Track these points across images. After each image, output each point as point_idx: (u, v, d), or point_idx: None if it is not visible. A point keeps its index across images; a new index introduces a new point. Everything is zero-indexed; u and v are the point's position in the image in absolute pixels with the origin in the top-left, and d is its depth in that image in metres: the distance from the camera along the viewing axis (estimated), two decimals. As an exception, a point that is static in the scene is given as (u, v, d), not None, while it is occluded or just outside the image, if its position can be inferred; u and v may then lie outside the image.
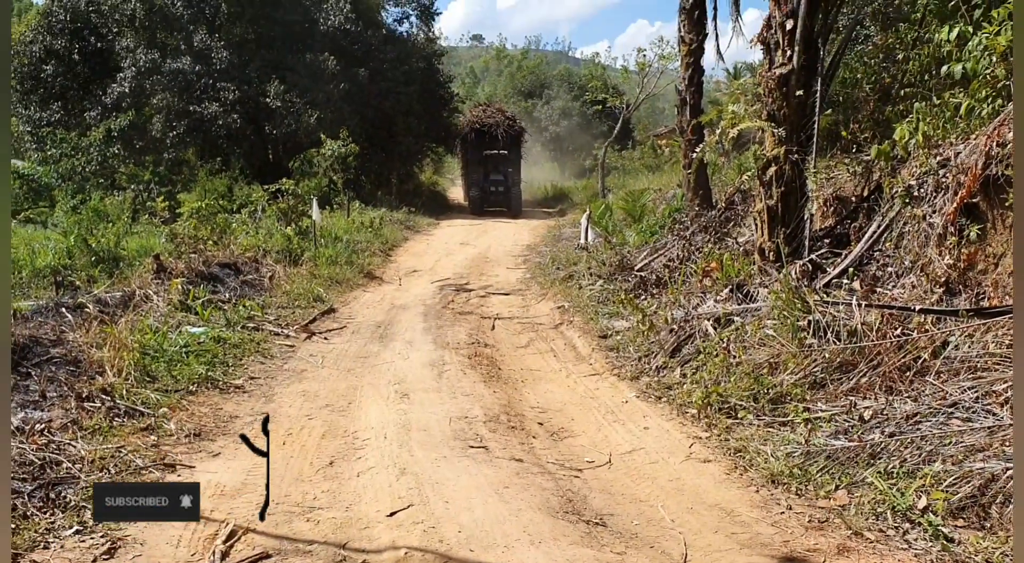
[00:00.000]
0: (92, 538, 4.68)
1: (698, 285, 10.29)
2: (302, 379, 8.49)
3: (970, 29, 7.85)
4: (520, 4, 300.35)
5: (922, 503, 4.89)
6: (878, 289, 7.81)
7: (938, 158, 7.67)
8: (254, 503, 5.27)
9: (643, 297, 11.12)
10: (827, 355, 6.86)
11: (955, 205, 7.11)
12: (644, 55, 34.02)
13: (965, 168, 7.10)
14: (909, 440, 5.46)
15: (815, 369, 6.86)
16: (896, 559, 4.53)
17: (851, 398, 6.33)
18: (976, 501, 4.80)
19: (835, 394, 6.51)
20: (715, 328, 8.47)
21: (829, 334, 7.08)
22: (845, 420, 6.07)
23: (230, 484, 5.59)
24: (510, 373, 8.95)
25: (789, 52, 9.46)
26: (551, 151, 53.28)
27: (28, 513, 4.86)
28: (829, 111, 10.76)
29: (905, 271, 7.78)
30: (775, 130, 9.52)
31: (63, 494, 5.16)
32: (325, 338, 10.46)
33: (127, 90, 28.17)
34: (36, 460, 5.48)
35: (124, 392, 7.02)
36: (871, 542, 4.72)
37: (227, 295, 11.68)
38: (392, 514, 5.10)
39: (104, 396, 6.79)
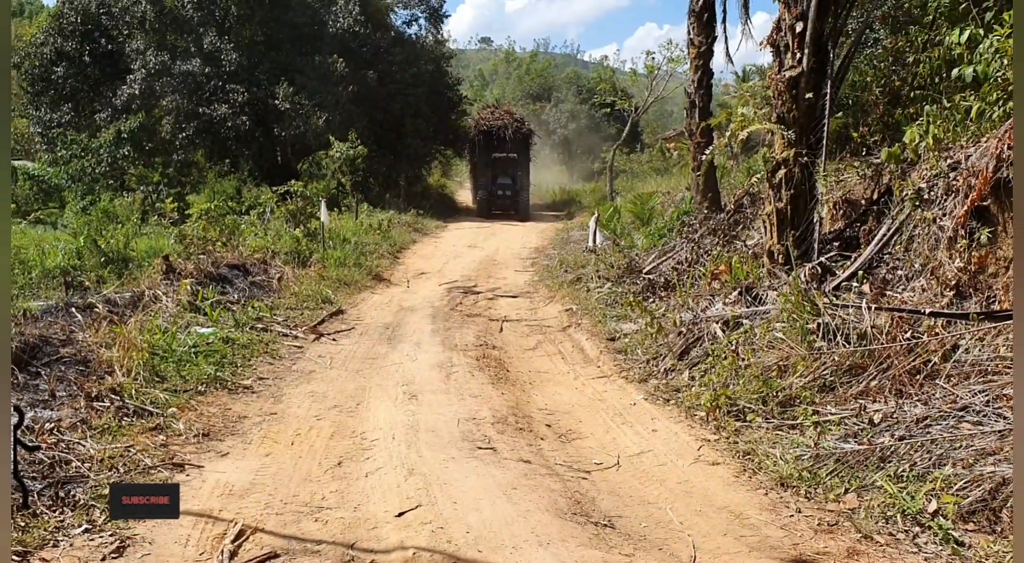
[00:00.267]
0: (101, 537, 4.69)
1: (707, 288, 10.27)
2: (311, 380, 8.50)
3: (981, 32, 7.82)
4: (528, 7, 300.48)
5: (932, 507, 4.87)
6: (888, 292, 7.78)
7: (948, 161, 7.64)
8: (263, 503, 5.29)
9: (651, 300, 11.11)
10: (836, 358, 6.83)
11: (965, 208, 7.09)
12: (653, 58, 33.94)
13: (976, 171, 7.08)
14: (919, 443, 5.44)
15: (824, 372, 6.84)
16: (906, 563, 4.52)
17: (861, 401, 6.31)
18: (987, 505, 4.78)
19: (844, 397, 6.49)
20: (724, 331, 8.46)
21: (838, 337, 7.05)
22: (855, 423, 6.05)
23: (239, 484, 5.59)
24: (518, 375, 8.94)
25: (799, 55, 9.44)
26: (559, 154, 53.26)
27: (38, 511, 4.86)
28: (839, 114, 10.75)
29: (915, 274, 7.75)
30: (784, 133, 9.50)
31: (72, 493, 5.17)
32: (333, 339, 10.47)
33: (137, 92, 28.27)
34: (45, 459, 5.49)
35: (133, 392, 7.04)
36: (881, 546, 4.70)
37: (236, 296, 11.70)
38: (400, 514, 5.10)
39: (113, 396, 6.81)
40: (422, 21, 36.65)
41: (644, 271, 12.86)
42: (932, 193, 7.76)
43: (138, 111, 28.47)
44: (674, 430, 6.94)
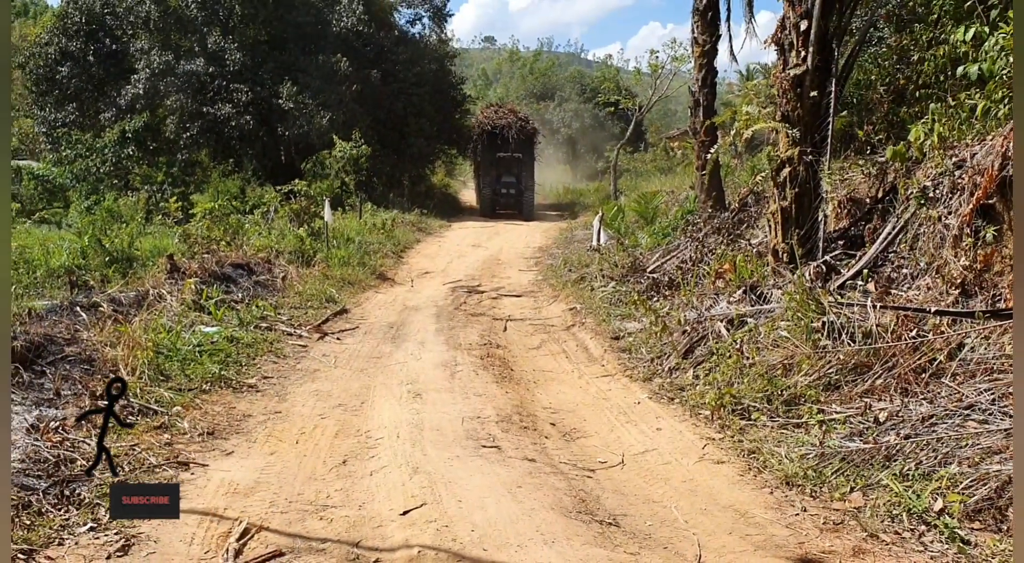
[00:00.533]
0: (106, 535, 4.69)
1: (711, 287, 10.26)
2: (315, 379, 8.51)
3: (986, 29, 7.80)
4: (532, 6, 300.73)
5: (938, 505, 4.86)
6: (893, 290, 7.76)
7: (954, 159, 7.62)
8: (267, 501, 5.29)
9: (655, 299, 11.09)
10: (841, 356, 6.82)
11: (971, 206, 7.07)
12: (657, 57, 33.98)
13: (981, 169, 7.06)
14: (925, 442, 5.43)
15: (829, 371, 6.82)
16: (912, 561, 4.51)
17: (866, 400, 6.29)
18: (993, 503, 4.77)
19: (850, 396, 6.48)
20: (728, 329, 8.44)
21: (843, 335, 7.04)
22: (860, 422, 6.04)
23: (243, 482, 5.59)
24: (522, 374, 8.94)
25: (803, 53, 9.42)
26: (563, 153, 53.24)
27: (43, 510, 4.87)
28: (843, 112, 10.73)
29: (920, 273, 7.74)
30: (789, 131, 9.49)
31: (77, 491, 5.17)
32: (338, 338, 10.48)
33: (141, 91, 28.33)
34: (51, 457, 5.50)
35: (138, 391, 7.04)
36: (887, 544, 4.69)
37: (240, 295, 11.71)
38: (405, 513, 5.10)
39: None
40: (426, 20, 36.70)
41: (648, 270, 12.85)
42: (937, 191, 7.74)
43: (142, 111, 28.56)
44: (679, 429, 6.93)
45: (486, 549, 4.60)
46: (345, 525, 4.96)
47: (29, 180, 26.06)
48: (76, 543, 4.61)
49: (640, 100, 38.26)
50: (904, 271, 8.00)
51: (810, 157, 9.38)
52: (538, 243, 22.15)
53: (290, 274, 13.80)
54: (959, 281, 7.06)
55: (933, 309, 6.72)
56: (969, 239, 7.08)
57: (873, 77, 12.01)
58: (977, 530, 4.67)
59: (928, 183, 7.87)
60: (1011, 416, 5.37)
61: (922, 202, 7.92)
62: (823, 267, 8.85)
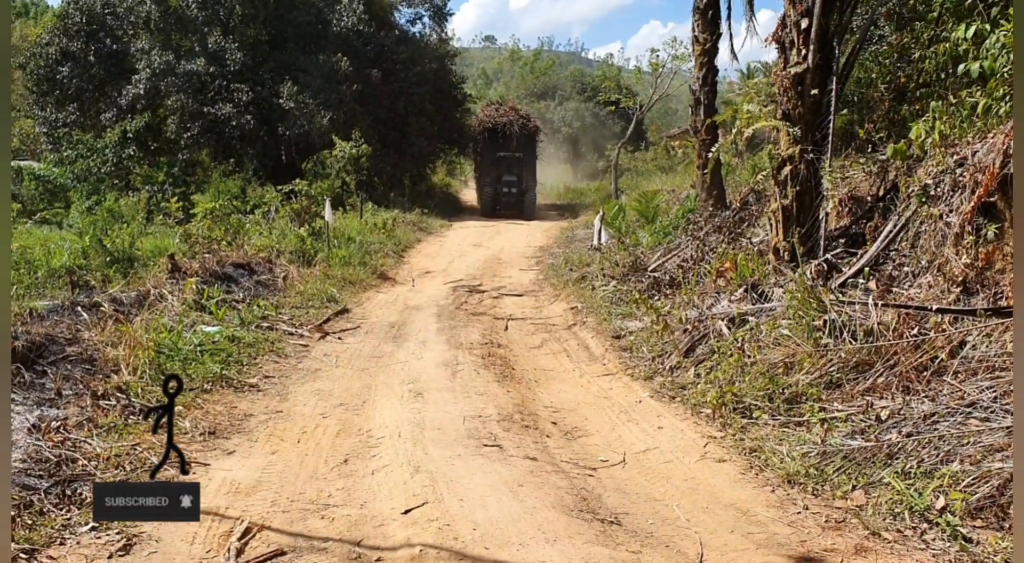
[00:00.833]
0: (108, 535, 4.69)
1: (712, 285, 10.25)
2: (316, 378, 8.51)
3: (987, 27, 7.79)
4: (532, 5, 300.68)
5: (940, 503, 4.85)
6: (894, 289, 7.76)
7: (955, 157, 7.61)
8: (269, 500, 5.29)
9: (657, 298, 11.09)
10: (843, 355, 6.82)
11: (972, 204, 7.06)
12: (657, 56, 33.98)
13: (982, 167, 7.05)
14: (927, 440, 5.43)
15: (831, 369, 6.82)
16: (914, 559, 4.50)
17: (867, 398, 6.29)
18: (995, 501, 4.76)
19: (851, 394, 6.48)
20: (729, 328, 8.44)
21: (845, 334, 7.04)
22: (862, 420, 6.04)
23: (245, 481, 5.60)
24: (523, 373, 8.94)
25: (804, 51, 9.41)
26: (564, 152, 53.23)
27: (44, 509, 4.87)
28: (844, 110, 10.72)
29: (922, 270, 7.73)
30: (790, 129, 9.48)
31: (79, 491, 5.17)
32: (339, 338, 10.47)
33: (142, 91, 28.33)
34: (52, 457, 5.50)
35: (139, 390, 7.05)
36: (889, 542, 4.69)
37: (241, 295, 11.72)
38: (407, 512, 5.10)
39: (119, 394, 6.82)
40: (426, 19, 36.65)
41: (649, 269, 12.85)
42: (938, 189, 7.73)
43: (143, 111, 28.56)
44: (680, 427, 6.93)
45: (488, 548, 4.60)
46: (347, 524, 4.96)
47: (30, 180, 26.07)
48: (78, 543, 4.61)
49: (641, 99, 38.29)
50: (905, 269, 7.99)
51: (811, 155, 9.37)
52: (539, 242, 22.14)
53: (291, 274, 13.80)
54: (960, 279, 7.05)
55: (935, 307, 6.72)
56: (970, 237, 7.07)
57: (874, 75, 12.00)
58: (979, 528, 4.67)
59: (929, 181, 7.86)
60: (1013, 414, 5.37)
61: (923, 200, 7.91)
62: (824, 265, 8.85)
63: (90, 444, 5.86)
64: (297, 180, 20.75)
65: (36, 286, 10.94)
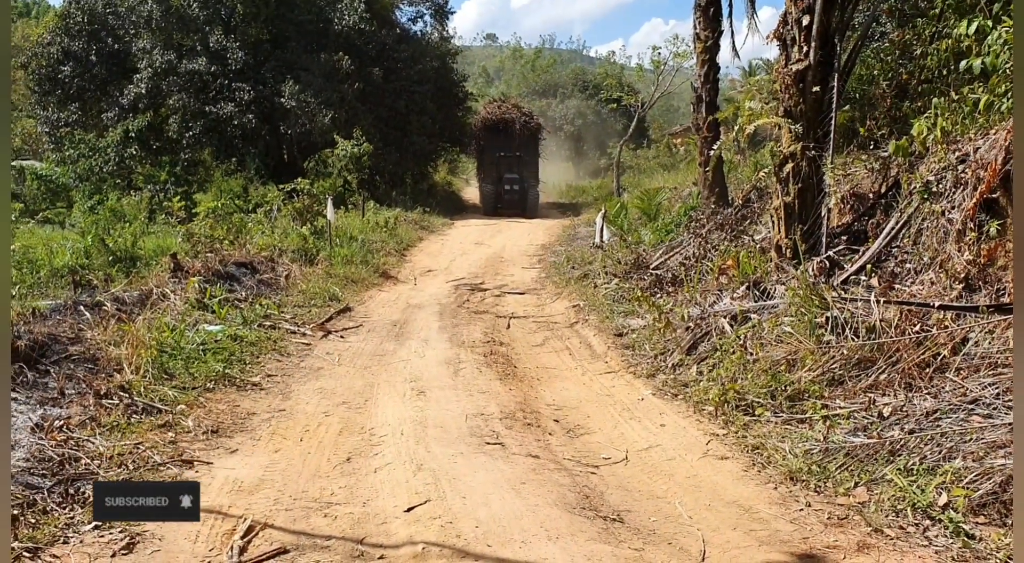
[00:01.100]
0: (111, 533, 4.70)
1: (714, 283, 10.24)
2: (319, 376, 8.52)
3: (989, 23, 7.77)
4: (534, 3, 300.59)
5: (943, 500, 4.84)
6: (896, 285, 7.75)
7: (957, 153, 7.60)
8: (272, 499, 5.30)
9: (659, 295, 11.08)
10: (845, 352, 6.81)
11: (974, 200, 7.05)
12: (659, 53, 33.96)
13: (984, 163, 7.04)
14: (929, 437, 5.42)
15: (833, 366, 6.81)
16: (916, 556, 4.50)
17: (870, 395, 6.28)
18: (997, 498, 4.76)
19: (854, 391, 6.47)
20: (732, 325, 8.44)
21: (847, 331, 7.03)
22: (864, 417, 6.03)
23: (248, 480, 5.60)
24: (526, 371, 8.94)
25: (805, 48, 9.39)
26: (566, 150, 53.21)
27: (48, 508, 4.88)
28: (846, 107, 10.70)
29: (924, 267, 7.71)
30: (792, 127, 9.46)
31: (82, 490, 5.18)
32: (341, 336, 10.48)
33: (144, 91, 28.33)
34: (55, 456, 5.51)
35: (142, 389, 7.06)
36: (891, 539, 4.69)
37: (243, 294, 11.73)
38: (409, 509, 5.10)
39: (122, 393, 6.83)
40: (427, 18, 36.62)
41: (651, 267, 12.85)
42: (940, 186, 7.72)
43: (145, 110, 28.57)
44: (682, 425, 6.93)
45: (490, 545, 4.60)
46: (349, 522, 4.97)
47: (32, 180, 26.12)
48: (81, 541, 4.62)
49: (642, 96, 38.29)
50: (907, 266, 7.97)
51: (813, 152, 9.35)
52: (541, 241, 22.14)
53: (293, 272, 13.81)
54: (963, 275, 7.04)
55: (937, 304, 6.71)
56: (973, 233, 7.06)
57: (876, 72, 11.98)
58: (982, 524, 4.66)
59: (931, 178, 7.85)
60: (1014, 411, 5.36)
61: (925, 197, 7.90)
62: (826, 262, 8.83)
63: (93, 443, 5.88)
64: (299, 179, 20.73)
65: (39, 286, 10.96)
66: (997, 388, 5.67)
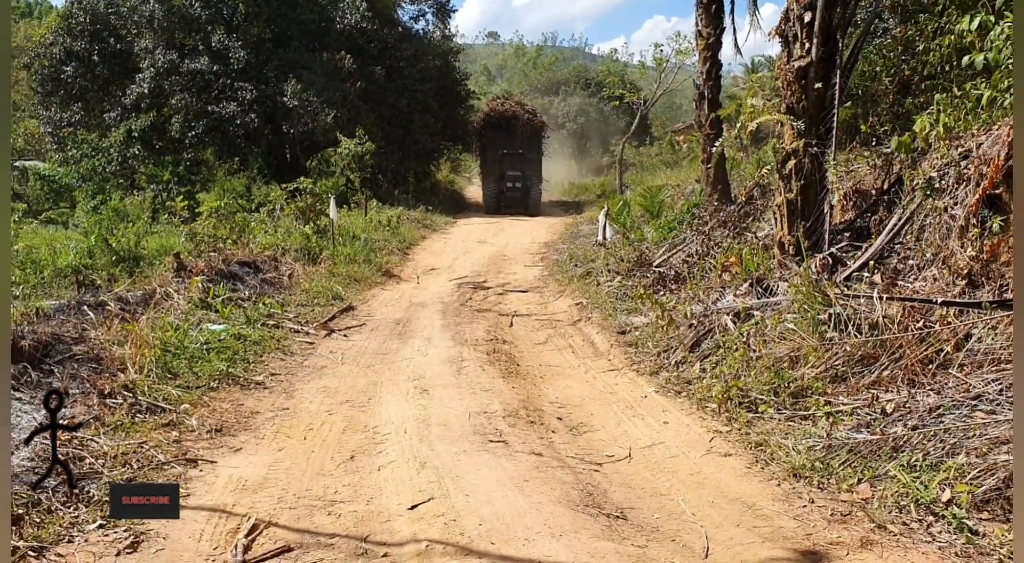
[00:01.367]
0: (115, 532, 4.71)
1: (717, 280, 10.24)
2: (322, 375, 8.53)
3: (992, 18, 7.75)
4: (535, 1, 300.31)
5: (946, 496, 4.84)
6: (899, 282, 7.74)
7: (959, 149, 7.59)
8: (276, 497, 5.31)
9: (662, 293, 11.07)
10: (848, 348, 6.81)
11: (977, 196, 7.04)
12: (661, 50, 33.97)
13: (987, 159, 7.03)
14: (932, 433, 5.42)
15: (836, 362, 6.81)
16: (920, 552, 4.50)
17: (873, 391, 6.28)
18: (1001, 494, 4.75)
19: (857, 387, 6.47)
20: (735, 323, 8.44)
21: (850, 327, 7.02)
22: (867, 413, 6.03)
23: (252, 478, 5.61)
24: (528, 369, 8.95)
25: (807, 45, 9.38)
26: (568, 148, 53.22)
27: (52, 508, 4.89)
28: (848, 104, 10.68)
29: (927, 264, 7.70)
30: (794, 123, 9.45)
31: (86, 489, 5.20)
32: (344, 335, 10.49)
33: (146, 91, 28.38)
34: (60, 456, 5.51)
35: (146, 388, 7.06)
36: (894, 535, 4.69)
37: (247, 293, 11.74)
38: (413, 507, 5.11)
39: (126, 393, 6.84)
40: (429, 16, 36.71)
41: (654, 264, 12.84)
42: (943, 182, 7.72)
43: (147, 110, 28.62)
44: (686, 422, 6.93)
45: (494, 543, 4.61)
46: (353, 520, 4.98)
47: (35, 180, 26.16)
48: (86, 540, 4.63)
49: (645, 94, 38.28)
50: (910, 262, 7.97)
51: (815, 149, 9.35)
52: (543, 239, 22.15)
53: (296, 272, 13.82)
54: (966, 272, 7.03)
55: (940, 300, 6.71)
56: (976, 229, 7.05)
57: (878, 68, 11.97)
58: (985, 520, 4.66)
59: (934, 174, 7.85)
60: (1013, 407, 5.36)
61: (928, 193, 7.90)
62: (829, 259, 8.82)
63: (97, 442, 5.89)
64: (302, 178, 20.73)
65: (43, 286, 10.96)
66: (1000, 384, 5.66)
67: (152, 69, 28.28)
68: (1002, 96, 7.40)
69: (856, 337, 6.87)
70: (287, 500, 5.26)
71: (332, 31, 30.27)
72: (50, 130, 30.92)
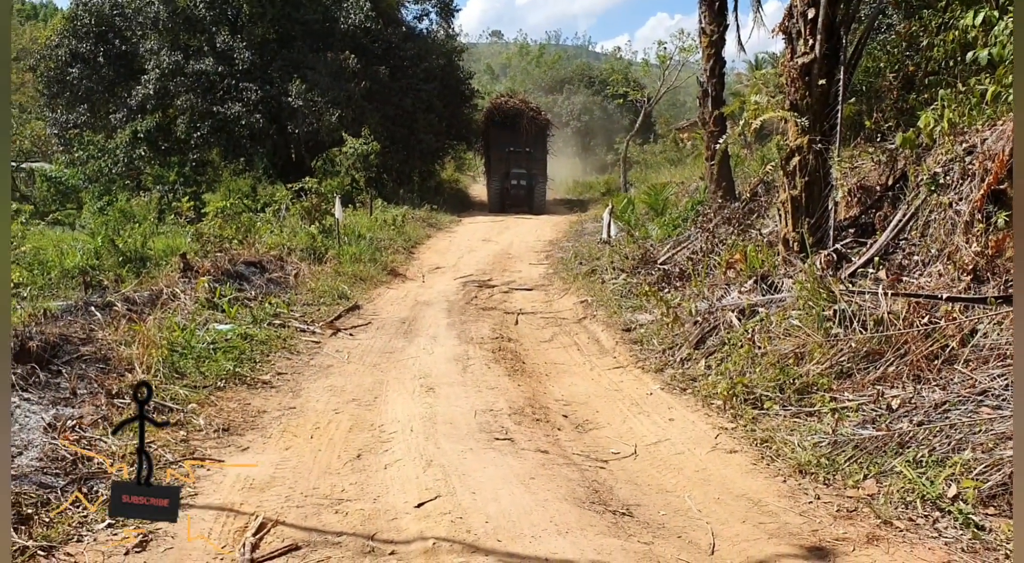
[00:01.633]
0: (124, 531, 4.73)
1: (722, 277, 10.25)
2: (328, 374, 8.55)
3: (996, 13, 7.75)
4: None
5: (952, 491, 4.85)
6: (904, 278, 7.74)
7: (964, 145, 7.58)
8: (283, 496, 5.33)
9: (667, 290, 11.09)
10: (853, 344, 6.81)
11: (982, 192, 7.04)
12: (665, 48, 33.94)
13: (992, 154, 7.03)
14: (938, 429, 5.42)
15: (841, 359, 6.82)
16: (926, 547, 4.50)
17: (878, 387, 6.29)
18: (1007, 489, 4.74)
19: (862, 383, 6.47)
20: (740, 319, 8.44)
21: (855, 323, 7.02)
22: (872, 409, 6.03)
23: (259, 477, 5.63)
24: (534, 367, 8.96)
25: (811, 41, 9.38)
26: (572, 146, 53.17)
27: (61, 507, 4.92)
28: (852, 100, 10.67)
29: (932, 259, 7.70)
30: (798, 120, 9.44)
31: (95, 488, 5.23)
32: (350, 334, 10.52)
33: (151, 92, 28.45)
34: (68, 455, 5.55)
35: (153, 388, 7.08)
36: (901, 531, 4.69)
37: (253, 293, 11.77)
38: (420, 505, 5.12)
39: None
40: (433, 16, 36.67)
41: (659, 261, 12.85)
42: (948, 178, 7.71)
43: (153, 111, 28.71)
44: (691, 419, 6.94)
45: (500, 540, 4.62)
46: (360, 518, 4.99)
47: (42, 182, 26.28)
48: (95, 539, 4.65)
49: (649, 91, 38.24)
50: (915, 258, 7.97)
51: (819, 145, 9.34)
52: (548, 237, 22.14)
53: (302, 271, 13.86)
54: (971, 267, 7.03)
55: (945, 295, 6.70)
56: (980, 225, 7.05)
57: (882, 64, 11.95)
58: (991, 516, 4.66)
59: (938, 169, 7.84)
60: (1013, 404, 5.36)
61: (932, 189, 7.89)
62: (834, 255, 8.82)
63: (105, 442, 5.92)
64: (307, 178, 20.79)
65: (50, 287, 11.03)
66: (1006, 380, 5.66)
67: (157, 70, 28.35)
68: (1006, 91, 7.39)
69: (861, 333, 6.88)
70: (294, 499, 5.28)
71: (336, 31, 30.30)
72: (56, 132, 31.03)
